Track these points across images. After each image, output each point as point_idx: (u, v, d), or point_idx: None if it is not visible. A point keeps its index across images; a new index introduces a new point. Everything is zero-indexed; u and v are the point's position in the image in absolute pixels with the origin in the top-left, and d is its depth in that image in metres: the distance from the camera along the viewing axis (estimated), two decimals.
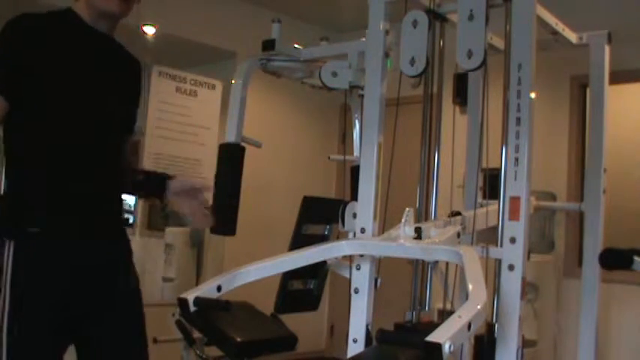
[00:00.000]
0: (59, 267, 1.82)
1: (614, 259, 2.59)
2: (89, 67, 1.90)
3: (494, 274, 1.94)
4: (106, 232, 1.95)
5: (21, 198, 1.85)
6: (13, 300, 1.78)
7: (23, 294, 1.78)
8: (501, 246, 1.93)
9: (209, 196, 2.11)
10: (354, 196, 2.12)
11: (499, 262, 1.93)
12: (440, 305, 2.29)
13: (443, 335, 1.27)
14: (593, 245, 2.66)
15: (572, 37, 2.69)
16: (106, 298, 1.92)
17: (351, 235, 2.08)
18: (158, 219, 5.12)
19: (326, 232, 2.60)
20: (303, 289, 2.62)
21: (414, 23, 2.00)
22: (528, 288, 2.84)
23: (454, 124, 2.33)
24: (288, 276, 2.54)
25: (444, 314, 1.96)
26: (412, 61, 2.00)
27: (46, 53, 1.82)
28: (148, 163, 4.03)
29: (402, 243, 1.85)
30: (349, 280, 2.04)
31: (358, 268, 2.02)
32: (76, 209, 1.86)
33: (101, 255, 1.91)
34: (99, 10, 1.88)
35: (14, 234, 1.80)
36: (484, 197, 2.46)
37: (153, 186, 2.09)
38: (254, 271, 1.79)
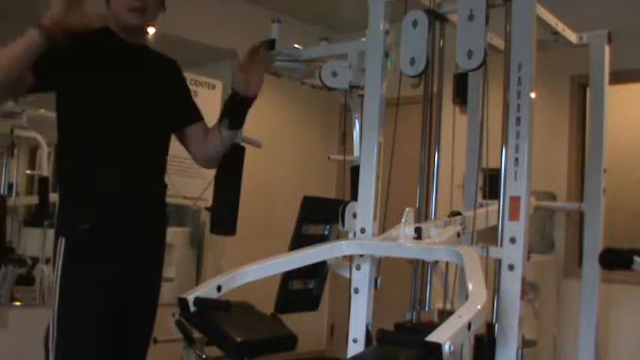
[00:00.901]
0: (106, 262, 1.93)
1: (614, 259, 2.59)
2: (121, 75, 2.02)
3: (494, 274, 1.94)
4: (149, 231, 2.06)
5: (70, 199, 1.98)
6: (62, 294, 1.90)
7: (72, 288, 1.90)
8: (501, 246, 1.93)
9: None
10: (354, 196, 2.12)
11: (499, 262, 1.93)
12: (440, 305, 2.29)
13: (443, 335, 1.27)
14: (593, 245, 2.66)
15: (572, 37, 2.69)
16: (142, 294, 2.03)
17: (351, 235, 2.08)
18: None
19: (326, 232, 2.60)
20: (303, 289, 2.62)
21: (414, 23, 2.00)
22: (528, 288, 2.84)
23: (454, 124, 2.33)
24: (288, 276, 2.53)
25: (444, 314, 1.96)
26: (412, 61, 2.00)
27: (79, 62, 1.93)
28: None
29: (402, 243, 1.85)
30: (349, 280, 2.04)
31: (358, 268, 2.02)
32: (122, 208, 1.98)
33: (144, 252, 2.03)
34: (122, 23, 2.01)
35: (66, 231, 1.93)
36: (484, 197, 2.46)
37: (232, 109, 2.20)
38: (254, 271, 1.79)
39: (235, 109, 2.19)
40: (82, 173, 1.97)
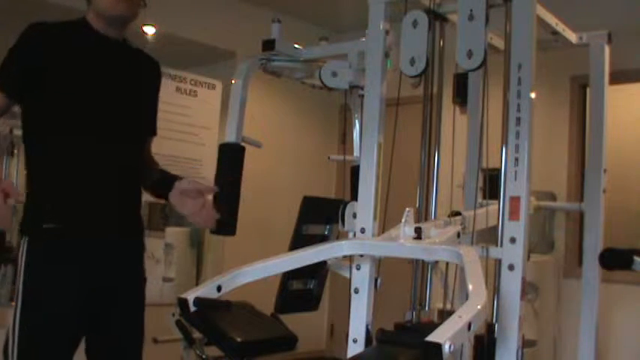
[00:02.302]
0: (70, 263, 1.88)
1: (614, 259, 2.59)
2: (97, 72, 1.96)
3: (494, 274, 1.94)
4: (120, 231, 2.01)
5: (37, 196, 1.94)
6: (25, 297, 1.85)
7: (35, 290, 1.85)
8: (501, 246, 1.93)
9: (211, 199, 2.09)
10: (354, 196, 2.12)
11: (499, 262, 1.93)
12: (440, 305, 2.29)
13: (443, 335, 1.27)
14: (593, 245, 2.66)
15: (572, 37, 2.69)
16: (114, 295, 1.98)
17: (351, 235, 2.08)
18: (158, 219, 5.12)
19: (326, 232, 2.60)
20: (303, 289, 2.62)
21: (414, 23, 2.00)
22: (528, 288, 2.84)
23: (454, 124, 2.33)
24: (288, 276, 2.54)
25: (444, 314, 1.96)
26: (412, 61, 2.00)
27: (54, 60, 1.89)
28: None
29: (402, 243, 1.84)
30: (349, 280, 2.03)
31: (358, 268, 2.02)
32: (89, 208, 1.93)
33: (113, 254, 1.97)
34: (106, 15, 1.95)
35: (29, 230, 1.90)
36: (484, 197, 2.46)
37: (163, 186, 2.08)
38: (254, 271, 1.78)
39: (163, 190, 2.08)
40: (48, 173, 1.92)
